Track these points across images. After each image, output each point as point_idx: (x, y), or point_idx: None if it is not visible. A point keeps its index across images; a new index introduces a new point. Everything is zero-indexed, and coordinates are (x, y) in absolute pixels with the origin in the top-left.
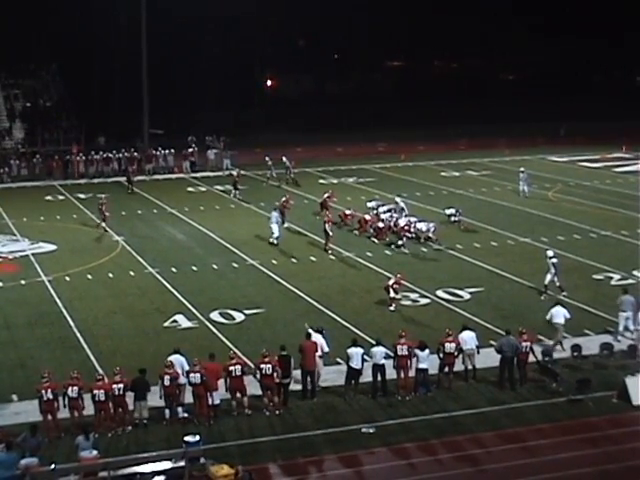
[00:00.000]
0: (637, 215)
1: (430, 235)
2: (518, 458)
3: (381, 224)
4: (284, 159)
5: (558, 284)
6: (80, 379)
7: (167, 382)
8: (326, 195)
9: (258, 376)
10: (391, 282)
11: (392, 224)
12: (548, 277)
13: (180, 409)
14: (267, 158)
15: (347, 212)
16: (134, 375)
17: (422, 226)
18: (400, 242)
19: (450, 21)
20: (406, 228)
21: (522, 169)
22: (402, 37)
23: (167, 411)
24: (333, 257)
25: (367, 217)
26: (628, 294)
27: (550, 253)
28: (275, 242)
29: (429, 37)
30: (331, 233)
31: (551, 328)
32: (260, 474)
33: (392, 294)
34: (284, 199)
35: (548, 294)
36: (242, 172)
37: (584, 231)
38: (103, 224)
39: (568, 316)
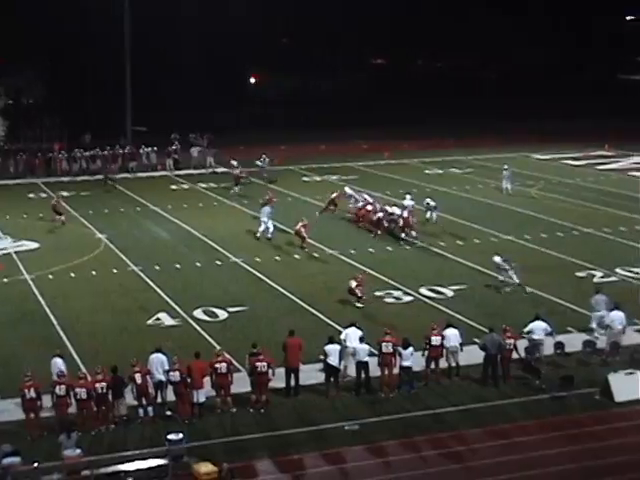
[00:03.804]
0: (619, 212)
1: (405, 220)
2: (502, 455)
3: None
4: (262, 158)
5: (517, 282)
6: (65, 376)
7: (139, 380)
8: (334, 195)
9: (250, 373)
10: (354, 284)
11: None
12: (514, 277)
13: (150, 408)
14: (233, 161)
15: (368, 208)
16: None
17: (396, 210)
18: (403, 235)
19: (434, 20)
20: (381, 218)
21: (506, 166)
22: (386, 36)
23: (140, 410)
24: (316, 254)
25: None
26: (600, 293)
27: (497, 259)
28: (270, 237)
29: (413, 36)
30: (305, 235)
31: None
32: (244, 471)
33: (359, 293)
34: (267, 197)
35: (526, 290)
36: (221, 169)
37: (567, 228)
38: (60, 218)
39: (549, 330)
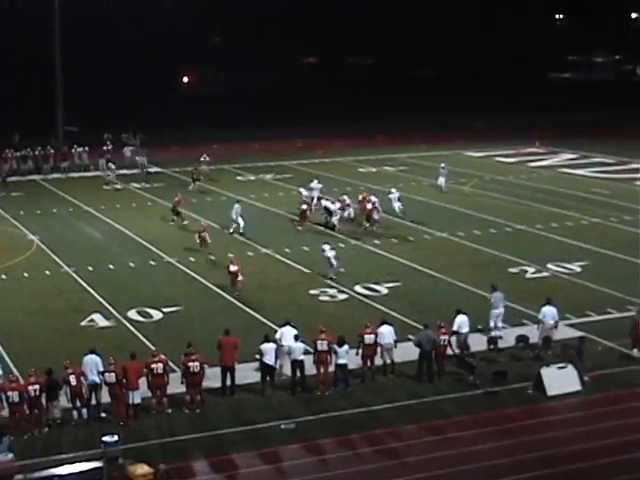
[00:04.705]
0: (551, 209)
1: (335, 221)
2: (437, 450)
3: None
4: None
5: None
6: None
7: (74, 382)
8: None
9: (184, 373)
10: (234, 268)
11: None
12: (337, 268)
13: (85, 410)
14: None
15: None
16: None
17: (329, 205)
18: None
19: (366, 18)
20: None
21: (442, 165)
22: (317, 33)
23: (75, 412)
24: (251, 254)
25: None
26: (498, 291)
27: (329, 253)
28: (242, 232)
29: (344, 34)
30: (209, 240)
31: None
32: (180, 472)
33: (241, 277)
34: (177, 199)
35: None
36: (154, 169)
37: (499, 225)
38: None
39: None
